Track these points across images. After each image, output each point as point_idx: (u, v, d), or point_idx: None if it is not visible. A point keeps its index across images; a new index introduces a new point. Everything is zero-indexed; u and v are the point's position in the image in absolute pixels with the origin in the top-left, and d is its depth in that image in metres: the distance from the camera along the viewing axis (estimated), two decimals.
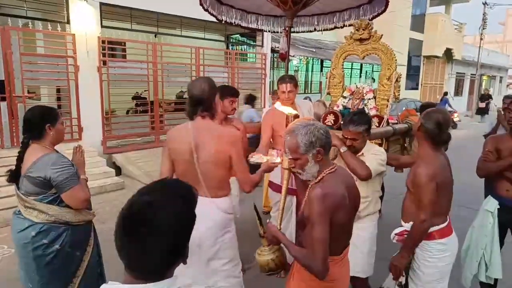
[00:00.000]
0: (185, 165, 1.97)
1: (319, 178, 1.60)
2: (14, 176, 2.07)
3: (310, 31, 4.58)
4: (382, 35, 3.51)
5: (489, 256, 2.56)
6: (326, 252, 1.51)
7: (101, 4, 6.71)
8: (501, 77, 28.73)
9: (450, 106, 15.08)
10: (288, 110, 2.05)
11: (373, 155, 2.37)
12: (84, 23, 6.43)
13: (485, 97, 18.48)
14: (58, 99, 6.79)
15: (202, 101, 1.96)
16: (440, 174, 2.01)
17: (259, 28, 4.51)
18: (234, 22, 4.34)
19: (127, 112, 9.05)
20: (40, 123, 2.05)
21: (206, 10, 4.08)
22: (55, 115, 2.12)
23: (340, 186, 1.57)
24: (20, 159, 2.05)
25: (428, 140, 2.06)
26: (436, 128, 2.01)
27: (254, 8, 4.18)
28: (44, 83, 6.46)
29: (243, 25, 4.42)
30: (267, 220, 3.32)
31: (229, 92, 3.11)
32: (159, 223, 0.84)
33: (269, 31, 4.64)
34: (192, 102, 1.99)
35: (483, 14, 21.90)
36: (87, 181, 2.26)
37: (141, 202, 0.87)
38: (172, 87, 8.33)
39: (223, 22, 4.36)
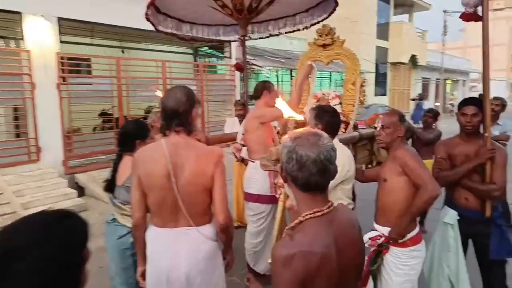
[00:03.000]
0: (162, 192, 1.64)
1: (294, 223, 1.12)
2: (110, 186, 2.27)
3: (265, 38, 4.37)
4: (344, 40, 3.47)
5: (455, 274, 2.36)
6: None
7: (60, 19, 6.41)
8: (464, 81, 30.02)
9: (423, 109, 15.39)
10: (293, 114, 1.66)
11: None
12: (41, 39, 6.11)
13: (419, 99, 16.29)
14: (16, 118, 6.39)
15: (177, 114, 1.65)
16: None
17: (211, 38, 4.27)
18: (184, 35, 4.07)
19: (94, 129, 8.71)
20: (133, 137, 2.24)
21: (155, 27, 3.73)
22: (146, 131, 2.32)
23: (321, 241, 1.06)
24: (115, 170, 2.25)
25: (403, 140, 2.16)
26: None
27: (204, 19, 3.98)
28: None
29: (196, 35, 4.16)
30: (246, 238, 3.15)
31: None
32: (19, 278, 0.63)
33: (225, 41, 4.45)
34: (166, 115, 1.69)
35: (444, 22, 22.93)
36: None
37: None
38: (138, 102, 8.06)
39: (176, 37, 4.09)
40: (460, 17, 2.27)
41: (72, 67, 6.85)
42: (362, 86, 3.35)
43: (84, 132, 7.55)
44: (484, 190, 2.29)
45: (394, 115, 2.16)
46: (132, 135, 2.24)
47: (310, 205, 1.11)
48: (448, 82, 27.40)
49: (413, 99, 16.77)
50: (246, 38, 4.03)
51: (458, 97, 26.94)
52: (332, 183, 1.20)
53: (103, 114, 8.86)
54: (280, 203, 1.87)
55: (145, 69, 7.74)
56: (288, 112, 1.61)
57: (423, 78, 23.68)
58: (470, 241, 2.47)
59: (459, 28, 47.36)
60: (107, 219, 2.33)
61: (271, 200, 2.95)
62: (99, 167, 6.74)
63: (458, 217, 2.37)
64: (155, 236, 1.70)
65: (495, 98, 4.43)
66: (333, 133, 2.28)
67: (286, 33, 3.98)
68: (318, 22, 3.59)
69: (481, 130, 2.35)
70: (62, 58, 6.38)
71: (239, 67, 4.04)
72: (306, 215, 1.10)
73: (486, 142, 2.26)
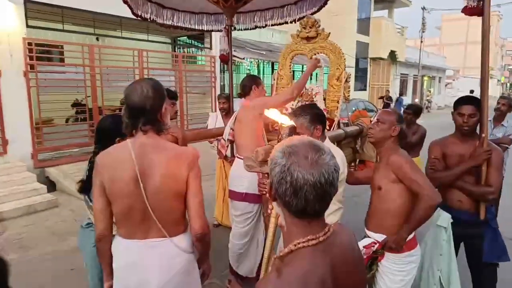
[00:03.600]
0: (129, 199, 1.44)
1: (283, 252, 0.92)
2: (85, 187, 2.01)
3: (251, 29, 4.13)
4: (329, 33, 3.35)
5: (447, 278, 2.29)
6: None
7: (26, 1, 6.00)
8: (440, 78, 30.71)
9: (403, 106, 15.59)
10: (282, 119, 1.43)
11: None
12: (5, 22, 5.69)
13: (386, 99, 15.77)
14: None
15: (144, 111, 1.44)
16: None
17: (194, 27, 4.03)
18: (165, 23, 3.83)
19: (67, 120, 8.30)
20: (111, 134, 1.91)
21: (133, 11, 3.49)
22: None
23: (315, 276, 0.87)
24: (91, 169, 1.89)
25: (399, 141, 2.04)
26: (404, 129, 2.04)
27: (187, 6, 3.76)
28: None
29: (177, 25, 3.93)
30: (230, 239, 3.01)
31: (169, 94, 2.78)
32: None
33: (207, 31, 4.20)
34: (131, 113, 1.46)
35: (423, 19, 23.29)
36: None
37: None
38: (113, 92, 7.72)
39: (156, 22, 3.84)
40: (463, 11, 2.18)
41: (42, 54, 6.46)
42: (347, 81, 3.25)
43: (55, 123, 7.15)
44: (479, 192, 2.20)
45: (393, 114, 2.06)
46: (110, 131, 1.99)
47: (303, 232, 0.90)
48: (425, 78, 27.97)
49: (381, 98, 16.48)
50: (232, 28, 3.83)
51: (434, 93, 27.56)
52: None
53: (76, 104, 8.46)
54: (272, 219, 1.70)
55: (121, 58, 7.40)
56: (278, 118, 1.38)
57: (401, 74, 24.05)
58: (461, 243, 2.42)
59: (436, 25, 48.50)
60: (82, 223, 2.15)
61: (259, 199, 2.83)
62: (71, 161, 6.43)
63: (451, 220, 2.29)
64: (122, 248, 1.51)
65: (502, 97, 4.26)
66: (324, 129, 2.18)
67: (273, 25, 3.79)
68: (306, 16, 3.44)
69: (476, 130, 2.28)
70: (29, 44, 5.98)
71: (224, 59, 3.83)
72: (299, 243, 0.89)
73: (482, 143, 2.18)
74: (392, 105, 15.46)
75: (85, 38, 7.93)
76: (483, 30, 2.13)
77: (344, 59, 3.27)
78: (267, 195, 0.97)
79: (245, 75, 13.16)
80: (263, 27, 3.93)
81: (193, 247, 1.60)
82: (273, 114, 1.37)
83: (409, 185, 1.85)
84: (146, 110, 1.44)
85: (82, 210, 2.23)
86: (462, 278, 2.32)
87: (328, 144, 2.20)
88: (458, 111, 2.29)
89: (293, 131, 1.34)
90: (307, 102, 3.35)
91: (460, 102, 2.31)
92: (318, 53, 3.40)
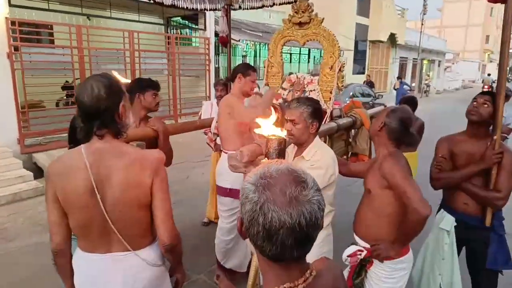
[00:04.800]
0: (85, 212, 1.30)
1: None
2: None
3: (252, 8, 3.84)
4: (323, 18, 3.15)
5: (449, 283, 2.18)
6: None
7: None
8: (439, 61, 30.30)
9: (409, 87, 15.43)
10: (272, 130, 1.12)
11: (309, 170, 1.92)
12: None
13: (367, 83, 15.06)
14: None
15: (98, 113, 1.28)
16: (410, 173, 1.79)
17: (190, 6, 3.75)
18: (160, 1, 3.58)
19: (57, 104, 8.08)
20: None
21: None
22: None
23: None
24: None
25: (391, 140, 1.86)
26: (401, 127, 1.83)
27: None
28: None
29: (172, 3, 3.66)
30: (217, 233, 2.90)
31: (151, 84, 2.61)
32: None
33: (204, 10, 3.90)
34: (84, 116, 1.30)
35: (424, 0, 22.76)
36: None
37: None
38: None
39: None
40: None
41: (27, 35, 6.19)
42: (340, 70, 3.08)
43: (44, 107, 6.94)
44: (487, 197, 2.04)
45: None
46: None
47: (279, 279, 0.76)
48: (425, 62, 27.60)
49: (364, 82, 15.85)
50: (232, 7, 3.54)
51: (433, 77, 27.25)
52: None
53: (66, 87, 8.21)
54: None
55: (111, 40, 7.14)
56: (267, 128, 1.11)
57: (400, 57, 23.70)
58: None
59: (437, 7, 47.56)
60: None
61: None
62: (61, 146, 6.24)
63: (455, 223, 2.17)
64: (82, 262, 1.39)
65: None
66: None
67: (280, 4, 3.51)
68: None
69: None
70: (13, 24, 5.72)
71: (223, 41, 3.58)
72: None
73: (494, 144, 2.02)
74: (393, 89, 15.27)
75: (72, 18, 7.63)
76: (505, 19, 1.96)
77: (339, 46, 3.08)
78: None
79: (241, 58, 12.89)
80: (270, 6, 3.63)
81: (163, 259, 1.48)
82: (262, 122, 1.13)
83: (399, 195, 1.72)
84: (100, 112, 1.28)
85: None
86: (463, 283, 2.22)
87: (318, 143, 2.07)
88: (473, 100, 2.15)
89: (282, 145, 1.11)
90: (298, 92, 3.19)
91: (479, 94, 2.17)
92: (310, 40, 3.21)
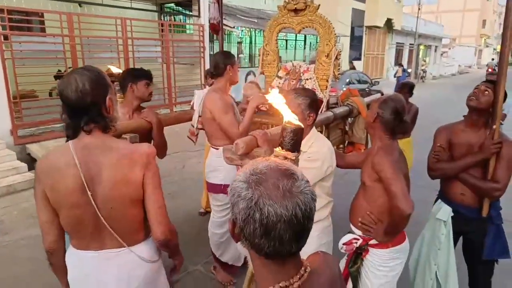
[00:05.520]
0: (77, 209, 1.27)
1: None
2: None
3: None
4: (319, 5, 3.09)
5: (444, 273, 2.19)
6: None
7: None
8: (436, 47, 30.13)
9: (408, 74, 15.29)
10: (289, 116, 0.93)
11: (306, 162, 1.86)
12: None
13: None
14: None
15: (84, 108, 1.24)
16: (401, 166, 1.79)
17: None
18: None
19: (50, 94, 7.95)
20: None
21: None
22: None
23: None
24: None
25: (385, 131, 1.85)
26: (395, 118, 1.82)
27: None
28: None
29: None
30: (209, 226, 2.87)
31: (143, 73, 2.55)
32: None
33: None
34: (70, 112, 1.26)
35: None
36: None
37: None
38: (96, 64, 7.35)
39: None
40: None
41: (16, 23, 6.04)
42: (337, 58, 3.03)
43: (37, 97, 6.83)
44: (485, 188, 2.03)
45: (376, 102, 1.90)
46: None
47: (274, 277, 0.75)
48: (421, 47, 27.44)
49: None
50: None
51: (429, 63, 27.15)
52: (310, 182, 0.77)
53: (59, 76, 8.08)
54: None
55: (103, 27, 7.00)
56: (285, 112, 0.93)
57: (397, 43, 23.53)
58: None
59: None
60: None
61: None
62: (55, 136, 6.20)
63: (452, 214, 2.16)
64: (75, 260, 1.36)
65: (492, 74, 4.10)
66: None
67: None
68: None
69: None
70: (1, 11, 5.56)
71: (214, 28, 3.47)
72: None
73: (493, 134, 2.00)
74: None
75: (63, 5, 7.45)
76: (507, 7, 1.92)
77: (335, 34, 3.03)
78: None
79: (236, 45, 12.71)
80: None
81: (158, 254, 1.46)
82: (279, 104, 0.95)
83: (385, 188, 1.72)
84: (87, 107, 1.23)
85: None
86: (459, 272, 2.23)
87: (314, 134, 2.04)
88: (475, 87, 2.12)
89: (299, 133, 0.94)
90: (294, 81, 3.14)
91: (483, 81, 2.14)
92: (306, 27, 3.15)
